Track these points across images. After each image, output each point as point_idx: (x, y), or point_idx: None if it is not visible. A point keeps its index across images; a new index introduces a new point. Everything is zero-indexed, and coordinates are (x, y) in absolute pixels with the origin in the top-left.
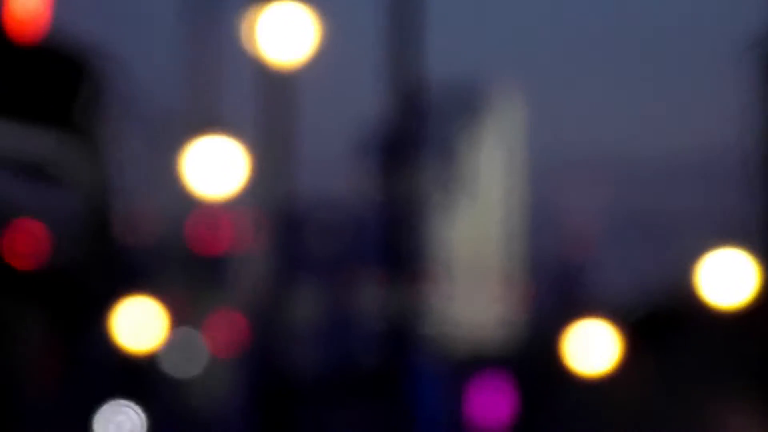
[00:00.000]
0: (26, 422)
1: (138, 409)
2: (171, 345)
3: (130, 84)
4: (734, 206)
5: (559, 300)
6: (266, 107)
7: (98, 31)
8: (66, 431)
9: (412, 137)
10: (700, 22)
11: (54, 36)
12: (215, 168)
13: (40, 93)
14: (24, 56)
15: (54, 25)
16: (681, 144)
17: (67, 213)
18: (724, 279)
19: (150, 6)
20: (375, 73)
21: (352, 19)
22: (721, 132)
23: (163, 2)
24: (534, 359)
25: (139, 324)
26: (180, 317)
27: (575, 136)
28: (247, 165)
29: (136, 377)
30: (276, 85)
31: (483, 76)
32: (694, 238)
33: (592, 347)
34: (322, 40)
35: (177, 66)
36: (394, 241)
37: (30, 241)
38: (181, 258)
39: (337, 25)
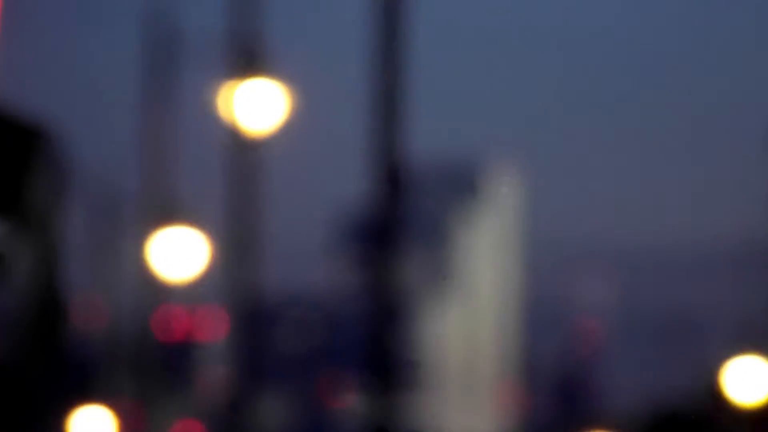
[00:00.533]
0: None
1: None
2: None
3: (82, 164)
4: (755, 301)
5: (562, 408)
6: (233, 189)
7: (48, 106)
8: None
9: (396, 222)
10: (712, 111)
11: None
12: (175, 257)
13: None
14: None
15: None
16: (697, 234)
17: (8, 308)
18: (740, 383)
19: (106, 80)
20: (356, 152)
21: (330, 94)
22: (739, 223)
23: (120, 75)
24: None
25: None
26: (135, 428)
27: (581, 222)
28: (210, 253)
29: None
30: (244, 165)
31: (478, 155)
32: (713, 338)
33: None
34: (297, 116)
35: (135, 145)
36: (376, 341)
37: None
38: (137, 357)
39: (313, 101)
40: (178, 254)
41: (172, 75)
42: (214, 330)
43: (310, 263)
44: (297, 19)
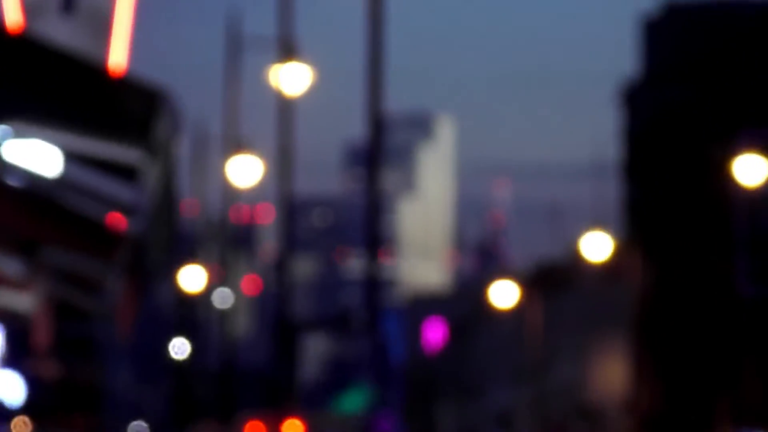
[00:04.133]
0: (116, 346)
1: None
2: (215, 290)
3: (186, 114)
4: (604, 199)
5: (479, 263)
6: (282, 129)
7: (160, 76)
8: (144, 353)
9: (378, 153)
10: (582, 66)
11: (133, 75)
12: (246, 173)
13: (128, 117)
14: (115, 87)
15: (131, 68)
16: (570, 154)
17: (147, 204)
18: (594, 245)
19: (199, 58)
20: (357, 106)
21: (343, 70)
22: (599, 145)
23: (209, 56)
24: (461, 302)
25: (194, 279)
26: (221, 274)
27: (494, 148)
28: (262, 171)
29: (190, 311)
30: (287, 115)
31: (428, 110)
32: (576, 218)
33: (502, 293)
34: (321, 84)
35: (219, 101)
36: (368, 225)
37: (122, 224)
38: (219, 235)
39: (333, 75)
40: (245, 170)
41: (242, 56)
42: (266, 218)
43: (327, 176)
44: (318, 20)
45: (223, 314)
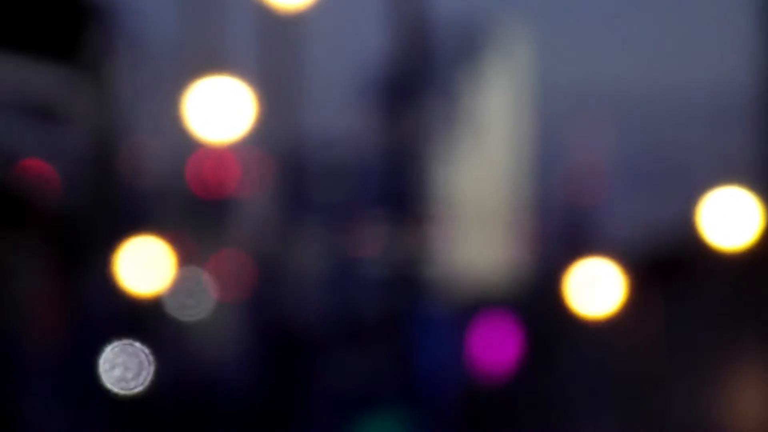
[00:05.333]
0: (32, 360)
1: (144, 348)
2: (176, 288)
3: (134, 22)
4: (739, 147)
5: (565, 242)
6: (271, 48)
7: None
8: (72, 370)
9: (416, 78)
10: None
11: None
12: (220, 108)
13: (45, 30)
14: None
15: None
16: (687, 85)
17: (73, 152)
18: (728, 220)
19: None
20: (380, 14)
21: None
22: (726, 73)
23: None
24: (540, 301)
25: (144, 264)
26: (185, 258)
27: (583, 76)
28: (252, 106)
29: (140, 319)
30: (281, 26)
31: (489, 15)
32: (700, 179)
33: (597, 289)
34: None
35: (181, 3)
36: (398, 184)
37: (36, 180)
38: (185, 198)
39: None
40: (222, 105)
41: None
42: (256, 174)
43: (341, 114)
44: None
45: (190, 314)
